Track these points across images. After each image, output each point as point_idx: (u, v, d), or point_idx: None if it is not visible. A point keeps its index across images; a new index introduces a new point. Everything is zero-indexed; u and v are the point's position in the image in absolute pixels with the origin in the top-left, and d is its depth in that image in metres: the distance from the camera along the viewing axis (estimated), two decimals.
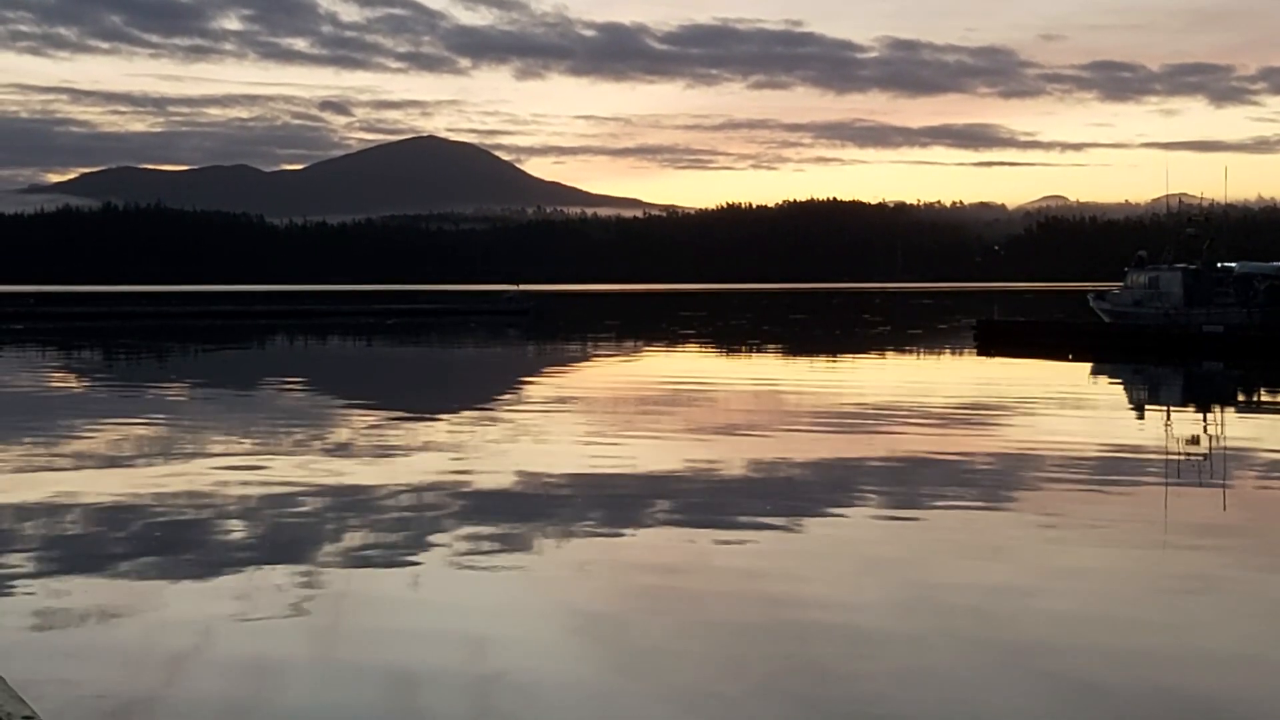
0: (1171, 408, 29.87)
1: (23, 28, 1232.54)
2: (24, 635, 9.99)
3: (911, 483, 17.25)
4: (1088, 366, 42.17)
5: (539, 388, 34.98)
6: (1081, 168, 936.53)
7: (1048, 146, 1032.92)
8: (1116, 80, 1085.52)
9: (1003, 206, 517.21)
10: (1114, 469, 18.64)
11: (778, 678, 9.07)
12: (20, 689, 6.40)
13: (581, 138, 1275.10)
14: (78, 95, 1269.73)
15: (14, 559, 12.57)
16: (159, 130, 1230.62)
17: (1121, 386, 37.13)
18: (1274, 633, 10.30)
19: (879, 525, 14.48)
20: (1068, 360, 44.11)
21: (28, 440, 22.07)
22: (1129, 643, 9.87)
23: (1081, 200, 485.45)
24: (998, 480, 17.60)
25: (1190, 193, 62.00)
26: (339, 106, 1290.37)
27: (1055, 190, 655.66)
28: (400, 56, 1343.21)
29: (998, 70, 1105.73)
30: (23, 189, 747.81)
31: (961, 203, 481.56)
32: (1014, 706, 8.51)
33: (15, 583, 11.60)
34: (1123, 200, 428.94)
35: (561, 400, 30.30)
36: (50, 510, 15.28)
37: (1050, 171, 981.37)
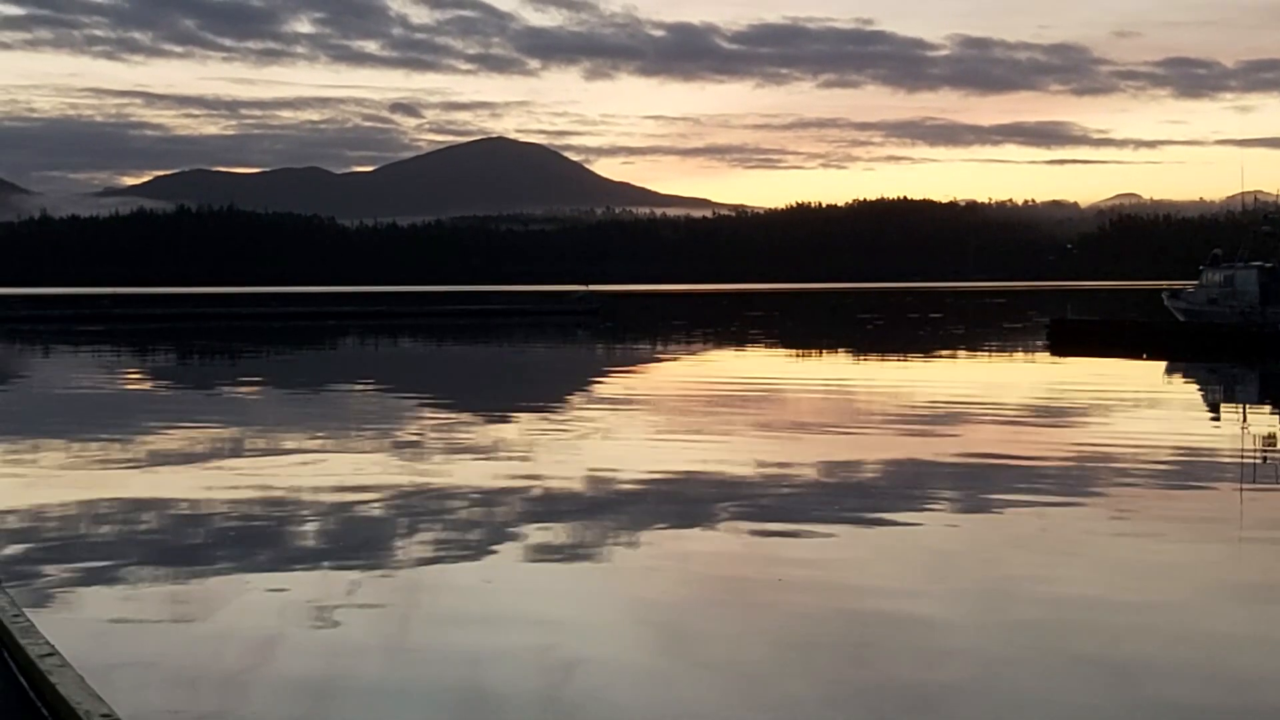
0: (1247, 407, 29.47)
1: (98, 32, 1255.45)
2: (102, 633, 10.09)
3: (984, 483, 17.10)
4: (1162, 366, 41.71)
5: (608, 387, 35.06)
6: (1155, 165, 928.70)
7: (1121, 144, 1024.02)
8: (1191, 77, 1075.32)
9: (1075, 205, 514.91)
10: (1189, 470, 18.40)
11: (846, 677, 9.05)
12: (98, 687, 6.48)
13: (650, 138, 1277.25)
14: (152, 99, 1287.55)
15: (92, 556, 12.74)
16: (231, 133, 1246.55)
17: (1196, 386, 36.69)
18: None
19: (951, 526, 14.36)
20: (1142, 359, 43.65)
21: (106, 439, 22.39)
22: (1204, 649, 9.76)
23: (1155, 198, 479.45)
24: (1072, 481, 17.38)
25: (1266, 190, 61.57)
26: (409, 108, 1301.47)
27: (1129, 188, 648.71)
28: (470, 58, 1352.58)
29: (1070, 67, 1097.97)
30: (98, 192, 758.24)
31: (1034, 201, 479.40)
32: (1086, 713, 8.42)
33: (93, 580, 11.74)
34: (1197, 198, 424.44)
35: (631, 400, 30.37)
36: (126, 508, 15.49)
37: (1124, 169, 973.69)
